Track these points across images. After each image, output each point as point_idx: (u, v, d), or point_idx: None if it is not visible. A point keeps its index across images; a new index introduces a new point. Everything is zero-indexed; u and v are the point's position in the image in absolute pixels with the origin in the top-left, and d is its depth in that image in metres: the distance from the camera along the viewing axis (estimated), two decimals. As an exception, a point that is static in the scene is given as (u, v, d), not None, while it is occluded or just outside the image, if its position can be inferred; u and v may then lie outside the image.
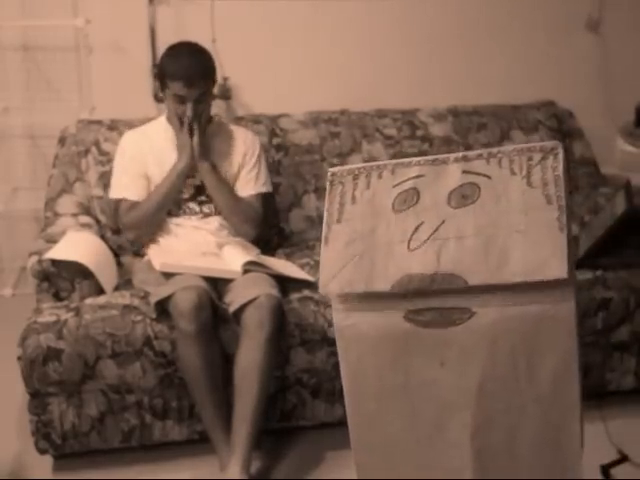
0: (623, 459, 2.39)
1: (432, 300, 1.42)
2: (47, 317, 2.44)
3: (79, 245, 2.65)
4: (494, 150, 1.46)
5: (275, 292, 2.48)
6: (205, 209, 2.76)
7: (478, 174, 1.44)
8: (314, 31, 3.44)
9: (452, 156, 1.47)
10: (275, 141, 3.12)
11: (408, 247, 1.43)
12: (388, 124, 3.24)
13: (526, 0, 3.54)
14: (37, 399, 2.43)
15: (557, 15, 3.57)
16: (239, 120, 3.11)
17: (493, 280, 1.37)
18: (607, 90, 3.67)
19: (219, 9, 3.30)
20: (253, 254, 2.69)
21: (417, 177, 1.48)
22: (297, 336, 2.51)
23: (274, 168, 3.03)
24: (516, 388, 1.43)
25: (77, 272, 2.54)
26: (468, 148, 3.18)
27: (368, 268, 1.44)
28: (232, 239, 2.76)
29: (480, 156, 1.46)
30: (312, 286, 2.67)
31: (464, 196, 1.44)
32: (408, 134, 3.22)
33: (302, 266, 2.81)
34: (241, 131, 2.90)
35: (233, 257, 2.61)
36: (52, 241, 2.64)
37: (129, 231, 2.79)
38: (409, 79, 3.53)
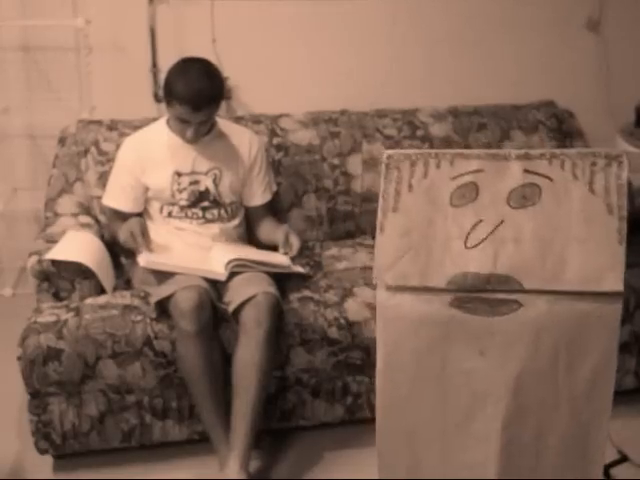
0: (623, 459, 2.39)
1: (483, 292, 1.42)
2: (47, 317, 2.44)
3: (79, 245, 2.65)
4: (557, 151, 1.45)
5: (273, 290, 2.48)
6: (208, 215, 2.75)
7: (540, 175, 1.43)
8: (314, 31, 3.44)
9: (514, 152, 1.45)
10: (275, 141, 3.12)
11: (465, 244, 1.42)
12: (388, 124, 3.24)
13: (526, 0, 3.54)
14: (37, 399, 2.43)
15: (557, 15, 3.56)
16: (239, 120, 3.11)
17: (548, 286, 1.36)
18: (607, 90, 3.67)
19: (219, 9, 3.30)
20: (242, 252, 2.68)
21: (477, 172, 1.47)
22: (297, 336, 2.51)
23: (274, 168, 3.03)
24: (553, 384, 1.43)
25: (77, 272, 2.54)
26: (468, 148, 3.17)
27: (424, 262, 1.43)
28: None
29: (542, 156, 1.45)
30: (307, 282, 2.68)
31: (525, 197, 1.43)
32: (408, 134, 3.22)
33: (302, 266, 2.81)
34: (242, 131, 2.89)
35: (220, 258, 2.60)
36: (52, 241, 2.64)
37: (109, 238, 2.82)
38: (409, 79, 3.53)
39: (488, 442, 1.47)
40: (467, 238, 1.42)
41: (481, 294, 1.41)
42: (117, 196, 2.76)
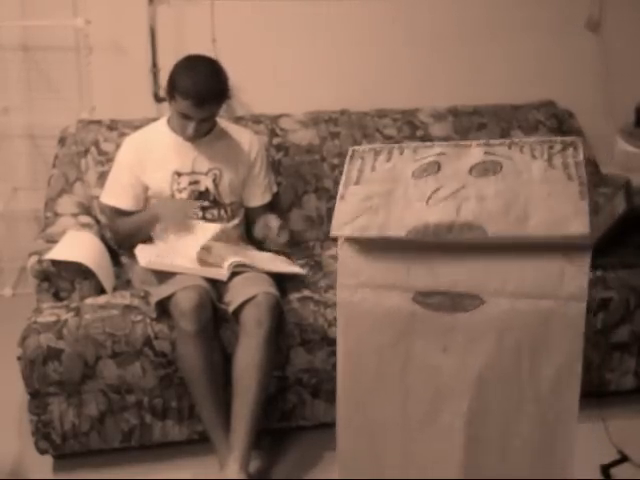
0: (623, 459, 2.39)
1: (443, 279, 1.40)
2: (47, 317, 2.44)
3: (79, 245, 2.65)
4: (515, 139, 1.46)
5: (273, 290, 2.48)
6: (208, 215, 2.75)
7: (500, 155, 1.43)
8: (314, 31, 3.44)
9: (474, 142, 1.46)
10: (275, 141, 3.12)
11: (426, 204, 1.40)
12: (388, 124, 3.24)
13: (526, 0, 3.54)
14: (37, 399, 2.43)
15: (557, 15, 3.56)
16: (239, 120, 3.11)
17: (513, 232, 1.34)
18: (607, 90, 3.67)
19: (219, 9, 3.30)
20: (242, 254, 2.68)
21: (439, 154, 1.47)
22: (297, 336, 2.51)
23: (274, 168, 3.03)
24: (517, 383, 1.42)
25: (77, 272, 2.54)
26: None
27: (383, 217, 1.41)
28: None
29: (502, 143, 1.45)
30: (307, 282, 2.68)
31: (486, 169, 1.42)
32: (408, 134, 3.22)
33: (302, 266, 2.81)
34: (242, 131, 2.89)
35: (221, 257, 2.60)
36: (52, 241, 2.64)
37: (112, 237, 2.84)
38: (409, 79, 3.53)
39: (451, 439, 1.45)
40: (429, 199, 1.41)
41: (441, 282, 1.39)
42: (117, 194, 2.76)
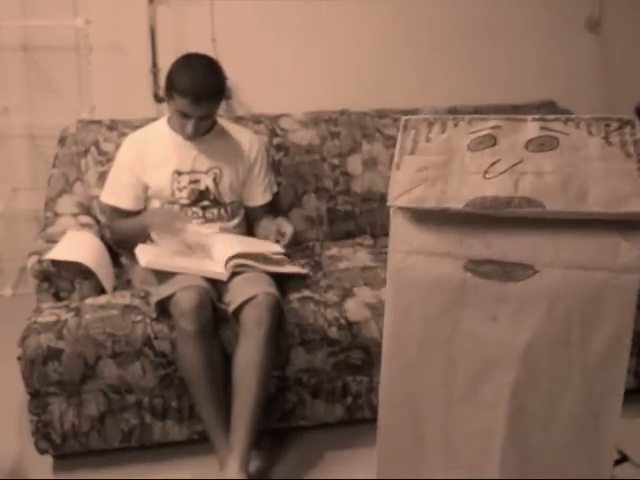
0: (623, 459, 2.38)
1: (496, 249, 1.38)
2: (47, 317, 2.44)
3: (79, 245, 2.65)
4: (572, 116, 1.44)
5: (273, 290, 2.48)
6: (208, 214, 2.75)
7: (556, 131, 1.42)
8: (314, 31, 3.44)
9: (530, 117, 1.45)
10: (275, 141, 3.12)
11: (484, 177, 1.39)
12: (388, 124, 3.24)
13: (526, 0, 3.54)
14: (37, 399, 2.42)
15: (557, 15, 3.57)
16: (239, 120, 3.11)
17: (572, 208, 1.32)
18: (607, 90, 3.67)
19: (219, 9, 3.30)
20: (243, 243, 2.67)
21: (494, 127, 1.45)
22: (297, 336, 2.51)
23: (274, 168, 3.03)
24: (565, 355, 1.40)
25: (77, 272, 2.54)
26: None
27: (440, 188, 1.39)
28: None
29: (558, 119, 1.44)
30: (307, 282, 2.69)
31: (542, 144, 1.41)
32: (408, 134, 3.22)
33: (302, 266, 2.81)
34: (242, 131, 2.89)
35: (220, 254, 2.60)
36: (52, 241, 2.64)
37: (110, 237, 2.84)
38: (409, 79, 3.53)
39: (495, 410, 1.43)
40: (485, 172, 1.39)
41: (495, 250, 1.37)
42: (117, 194, 2.76)
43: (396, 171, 1.44)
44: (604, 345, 1.38)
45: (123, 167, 2.76)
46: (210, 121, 2.71)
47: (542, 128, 1.43)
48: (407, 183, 1.42)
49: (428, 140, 1.46)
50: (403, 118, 1.49)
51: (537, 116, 1.46)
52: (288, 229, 2.68)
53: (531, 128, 1.44)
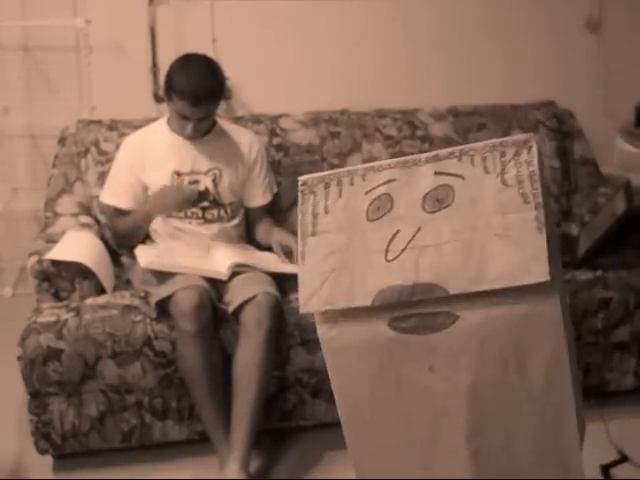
0: (623, 459, 2.39)
1: (414, 307, 1.41)
2: (47, 317, 2.44)
3: (79, 245, 2.65)
4: (466, 147, 1.43)
5: (273, 290, 2.48)
6: (208, 215, 2.75)
7: (451, 174, 1.42)
8: (314, 31, 3.44)
9: (423, 156, 1.44)
10: (275, 141, 3.12)
11: (386, 258, 1.40)
12: (388, 124, 3.24)
13: (526, 0, 3.54)
14: (37, 399, 2.43)
15: (557, 15, 3.56)
16: (239, 120, 3.11)
17: (474, 288, 1.35)
18: (607, 90, 3.67)
19: (219, 9, 3.30)
20: (242, 253, 2.68)
21: (389, 182, 1.45)
22: (297, 336, 2.51)
23: (274, 168, 3.03)
24: (509, 388, 1.42)
25: (77, 272, 2.54)
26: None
27: (347, 283, 1.42)
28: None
29: (452, 155, 1.43)
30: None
31: (439, 200, 1.41)
32: (408, 134, 3.22)
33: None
34: (242, 131, 2.90)
35: (221, 257, 2.60)
36: (52, 241, 2.64)
37: (112, 237, 2.83)
38: (409, 79, 3.53)
39: (457, 455, 1.46)
40: (387, 251, 1.40)
41: (413, 310, 1.40)
42: (117, 194, 2.76)
43: (302, 263, 1.46)
44: (543, 371, 1.40)
45: (122, 167, 2.76)
46: (209, 122, 2.71)
47: (436, 173, 1.43)
48: (315, 278, 1.44)
49: (327, 212, 1.47)
50: (300, 180, 1.49)
51: (431, 155, 1.45)
52: (292, 243, 2.68)
53: (425, 176, 1.43)
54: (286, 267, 2.69)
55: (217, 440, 2.40)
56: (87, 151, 2.97)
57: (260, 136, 3.00)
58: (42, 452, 2.49)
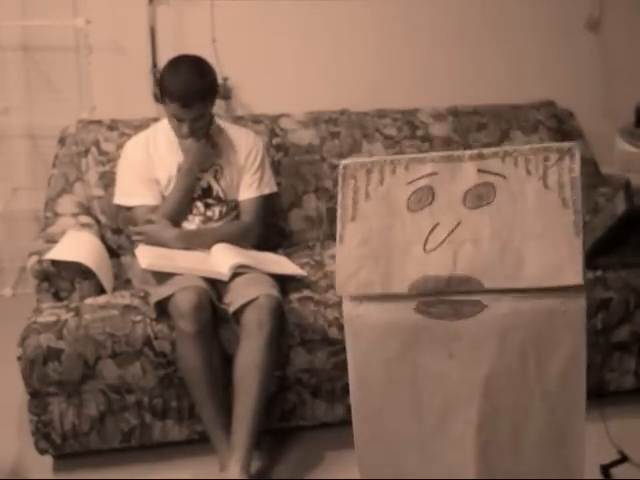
0: (623, 459, 2.39)
1: (445, 295, 1.42)
2: (47, 317, 2.44)
3: (79, 245, 2.65)
4: (510, 149, 1.45)
5: (275, 292, 2.48)
6: (209, 212, 2.75)
7: (493, 173, 1.44)
8: (314, 31, 3.44)
9: (467, 153, 1.46)
10: (275, 141, 3.12)
11: (424, 248, 1.42)
12: (388, 124, 3.24)
13: (526, 0, 3.54)
14: (37, 399, 2.43)
15: (557, 15, 3.57)
16: (239, 120, 3.11)
17: (508, 284, 1.37)
18: (607, 90, 3.67)
19: (219, 9, 3.30)
20: (243, 255, 2.67)
21: (431, 175, 1.47)
22: (297, 336, 2.51)
23: (274, 168, 3.03)
24: (524, 383, 1.43)
25: (77, 272, 2.54)
26: (468, 148, 3.17)
27: (385, 269, 1.43)
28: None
29: (496, 154, 1.45)
30: (307, 282, 2.69)
31: (480, 197, 1.43)
32: (408, 134, 3.22)
33: (302, 266, 2.81)
34: (242, 132, 2.89)
35: (222, 258, 2.60)
36: (52, 241, 2.64)
37: (166, 237, 2.68)
38: (409, 79, 3.53)
39: (464, 445, 1.47)
40: (426, 242, 1.43)
41: (444, 297, 1.41)
42: (142, 193, 2.72)
43: (340, 245, 1.47)
44: (561, 369, 1.41)
45: (136, 166, 2.74)
46: (205, 121, 2.70)
47: (479, 171, 1.44)
48: (353, 262, 1.45)
49: (367, 197, 1.48)
50: (341, 164, 1.51)
51: (475, 152, 1.46)
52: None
53: (468, 172, 1.45)
54: (287, 268, 2.69)
55: (217, 440, 2.40)
56: (87, 151, 2.97)
57: (260, 136, 2.99)
58: (42, 452, 2.49)
